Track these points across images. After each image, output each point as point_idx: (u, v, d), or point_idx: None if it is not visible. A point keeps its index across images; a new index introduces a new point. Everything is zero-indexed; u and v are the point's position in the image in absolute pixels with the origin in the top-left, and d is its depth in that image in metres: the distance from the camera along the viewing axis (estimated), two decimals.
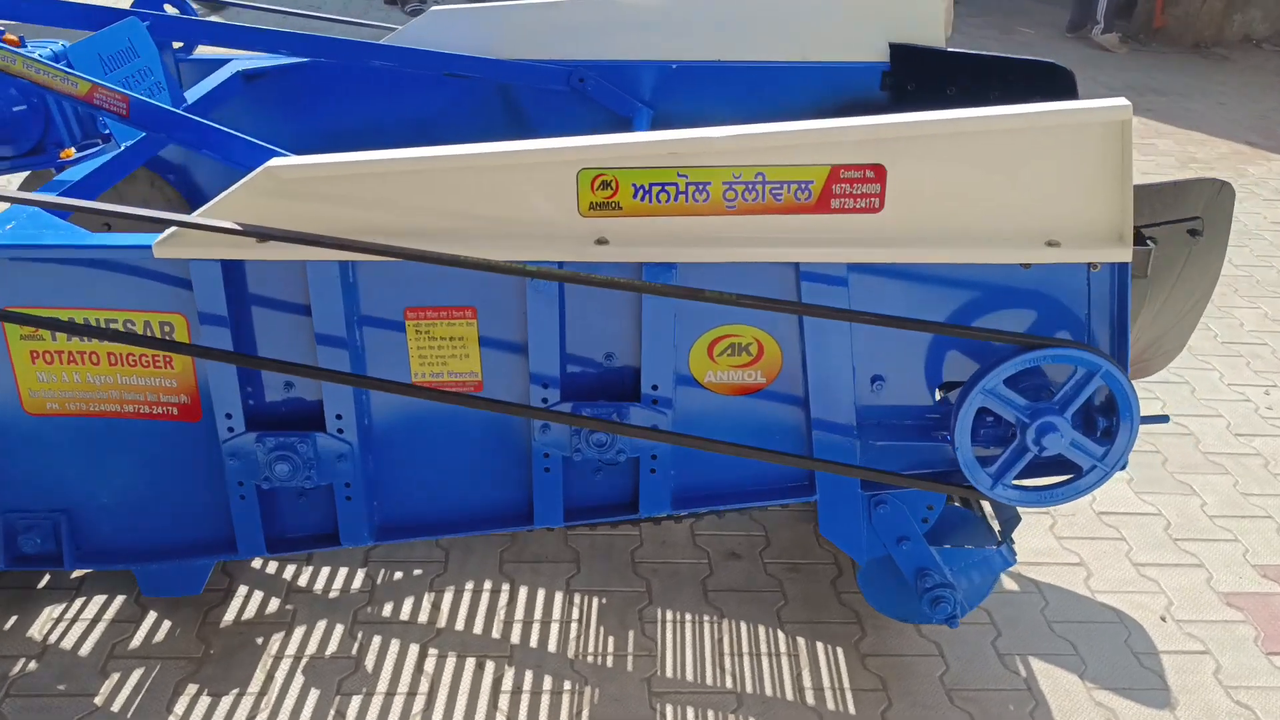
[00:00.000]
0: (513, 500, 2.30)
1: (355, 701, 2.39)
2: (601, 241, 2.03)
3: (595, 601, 2.73)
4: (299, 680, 2.43)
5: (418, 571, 2.80)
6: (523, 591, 2.75)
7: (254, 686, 2.41)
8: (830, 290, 2.08)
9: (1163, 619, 2.79)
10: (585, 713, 2.39)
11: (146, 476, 2.29)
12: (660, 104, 3.38)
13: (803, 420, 2.21)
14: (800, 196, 2.01)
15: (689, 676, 2.51)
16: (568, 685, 2.46)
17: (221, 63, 3.30)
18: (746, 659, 2.56)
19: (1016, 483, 2.14)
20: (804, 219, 2.03)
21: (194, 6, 3.42)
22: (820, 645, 2.61)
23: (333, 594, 2.71)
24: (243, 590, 2.69)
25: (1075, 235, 2.01)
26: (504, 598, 2.73)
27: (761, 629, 2.65)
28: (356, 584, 2.74)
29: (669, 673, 2.52)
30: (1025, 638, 2.69)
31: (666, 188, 2.01)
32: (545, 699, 2.42)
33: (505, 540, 2.91)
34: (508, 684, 2.45)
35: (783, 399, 2.20)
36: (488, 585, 2.77)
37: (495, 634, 2.61)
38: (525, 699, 2.42)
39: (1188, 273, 2.32)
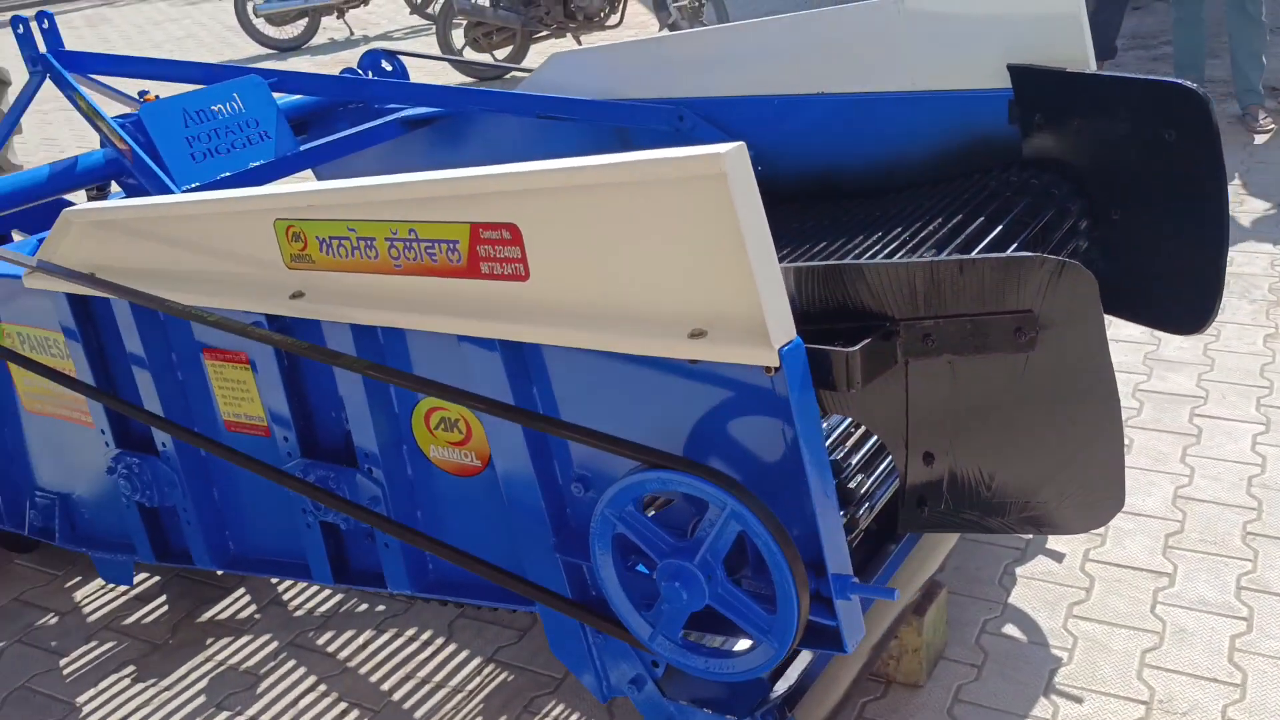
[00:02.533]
0: (295, 550, 2.26)
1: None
2: (297, 295, 1.94)
3: (502, 677, 2.55)
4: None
5: (380, 608, 2.83)
6: (449, 650, 2.65)
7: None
8: (489, 368, 1.76)
9: None
10: None
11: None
12: (759, 140, 3.01)
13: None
14: (451, 258, 1.74)
15: None
16: None
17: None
18: None
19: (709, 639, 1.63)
20: (458, 284, 1.75)
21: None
22: None
23: (298, 613, 2.85)
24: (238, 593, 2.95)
25: (721, 325, 1.49)
26: (430, 650, 2.66)
27: None
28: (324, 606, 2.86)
29: None
30: None
31: (343, 241, 1.86)
32: None
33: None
34: None
35: (497, 489, 1.90)
36: (428, 635, 2.71)
37: (386, 686, 2.56)
38: None
39: (1038, 388, 1.57)
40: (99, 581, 3.04)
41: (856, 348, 1.49)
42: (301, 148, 3.25)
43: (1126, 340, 3.71)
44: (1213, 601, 2.57)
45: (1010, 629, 2.55)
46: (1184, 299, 2.35)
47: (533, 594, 1.78)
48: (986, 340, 1.54)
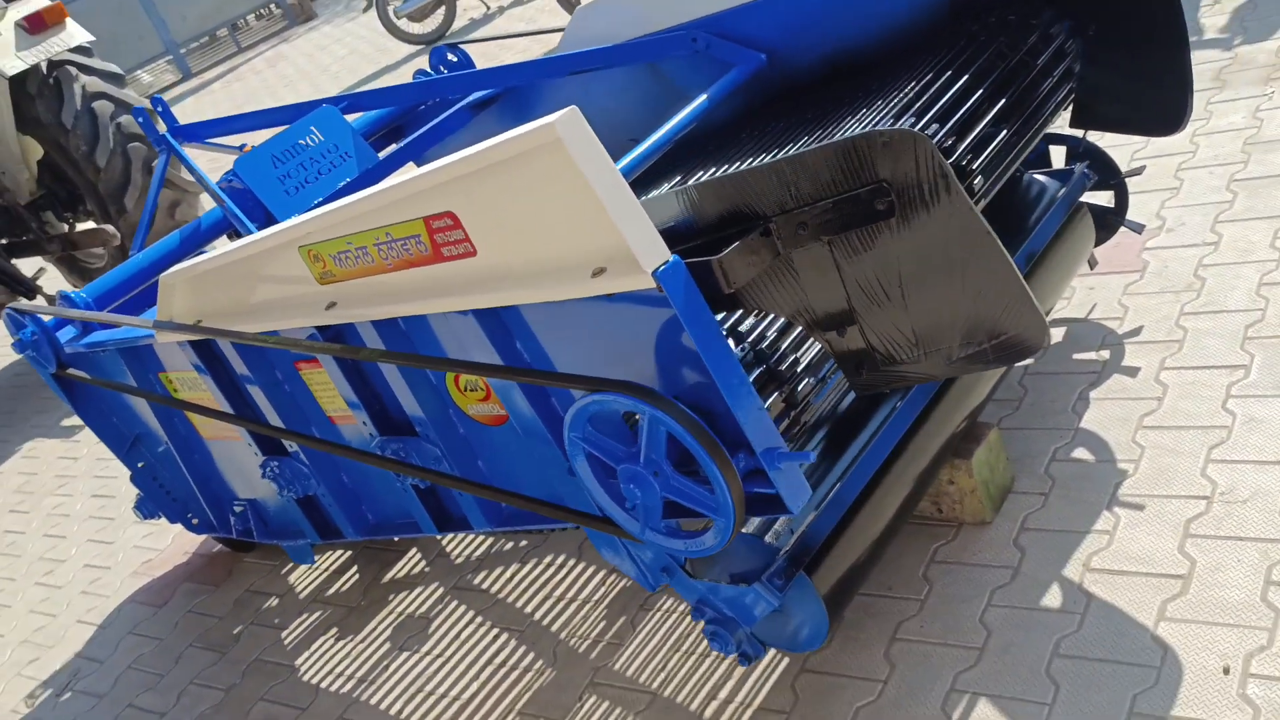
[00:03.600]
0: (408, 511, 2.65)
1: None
2: (331, 305, 2.29)
3: (621, 584, 2.87)
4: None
5: (524, 544, 3.21)
6: (579, 569, 3.00)
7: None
8: (467, 334, 2.05)
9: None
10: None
11: None
12: (769, 41, 3.11)
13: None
14: (420, 249, 2.03)
15: (625, 670, 2.58)
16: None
17: None
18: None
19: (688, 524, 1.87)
20: (432, 269, 2.04)
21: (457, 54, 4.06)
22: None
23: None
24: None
25: (611, 260, 1.71)
26: (564, 573, 3.01)
27: None
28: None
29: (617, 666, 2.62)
30: (1001, 676, 2.17)
31: (347, 254, 2.19)
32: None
33: None
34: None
35: (522, 431, 2.20)
36: (561, 560, 3.07)
37: (530, 609, 2.94)
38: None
39: (916, 245, 1.69)
40: (304, 566, 3.58)
41: (723, 254, 1.67)
42: (381, 156, 3.63)
43: (1226, 130, 3.57)
44: None
45: (1080, 452, 2.63)
46: (1158, 101, 2.33)
47: (557, 514, 2.08)
48: (851, 217, 1.68)
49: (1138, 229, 2.93)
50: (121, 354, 3.10)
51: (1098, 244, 3.02)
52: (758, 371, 1.89)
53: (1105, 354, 2.89)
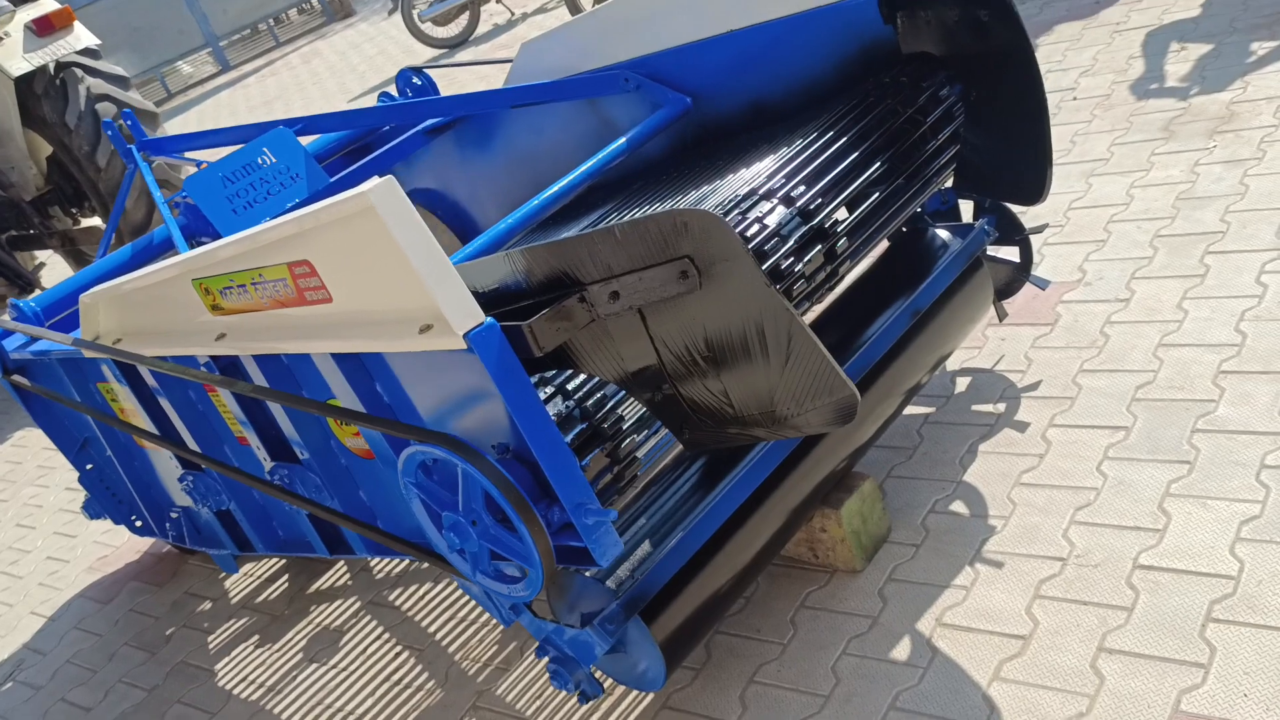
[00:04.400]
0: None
1: None
2: (221, 337, 2.40)
3: None
4: None
5: None
6: None
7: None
8: (334, 374, 2.15)
9: None
10: None
11: None
12: (693, 84, 3.20)
13: None
14: (288, 292, 2.14)
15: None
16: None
17: None
18: None
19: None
20: (299, 311, 2.14)
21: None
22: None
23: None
24: None
25: (435, 319, 1.80)
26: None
27: None
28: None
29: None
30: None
31: (230, 289, 2.30)
32: None
33: None
34: None
35: (384, 467, 2.30)
36: None
37: (433, 628, 3.04)
38: None
39: (722, 316, 1.77)
40: (245, 569, 3.71)
41: (533, 319, 1.76)
42: (332, 179, 3.74)
43: (1162, 183, 3.60)
44: (1165, 446, 2.58)
45: (958, 505, 2.68)
46: (1022, 171, 2.39)
47: (409, 550, 2.17)
48: (659, 287, 1.76)
49: (1041, 285, 2.98)
50: (61, 364, 3.24)
51: (1006, 297, 3.07)
52: (580, 428, 1.98)
53: (1001, 407, 2.94)
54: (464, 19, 11.22)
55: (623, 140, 3.08)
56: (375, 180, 1.72)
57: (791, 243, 2.25)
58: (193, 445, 2.84)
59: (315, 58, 14.63)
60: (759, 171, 2.46)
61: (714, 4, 3.08)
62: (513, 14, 11.52)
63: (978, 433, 2.88)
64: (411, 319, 1.84)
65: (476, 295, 1.89)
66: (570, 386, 2.02)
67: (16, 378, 3.34)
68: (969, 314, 2.84)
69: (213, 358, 2.49)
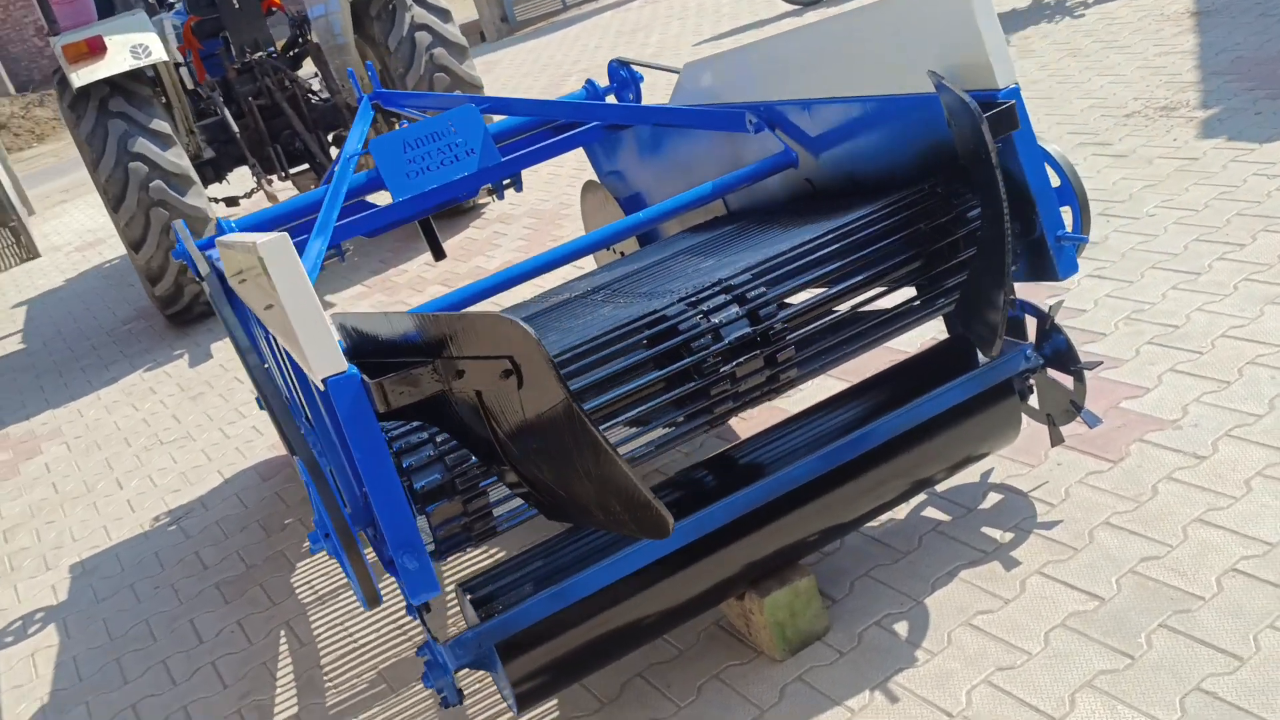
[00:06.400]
0: None
1: None
2: None
3: None
4: None
5: None
6: None
7: None
8: None
9: None
10: None
11: None
12: (801, 139, 3.20)
13: None
14: None
15: None
16: None
17: None
18: None
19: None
20: None
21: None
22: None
23: None
24: None
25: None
26: None
27: None
28: None
29: None
30: None
31: None
32: None
33: None
34: None
35: None
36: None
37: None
38: None
39: (541, 419, 1.90)
40: None
41: (379, 379, 1.97)
42: (504, 159, 4.07)
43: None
44: (1121, 632, 2.41)
45: (900, 626, 2.64)
46: (982, 324, 2.27)
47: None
48: (490, 379, 1.93)
49: (1092, 422, 2.78)
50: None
51: (1062, 424, 2.89)
52: (434, 477, 2.19)
53: (1008, 537, 2.81)
54: None
55: (708, 185, 3.18)
56: (268, 235, 1.99)
57: (724, 343, 2.31)
58: None
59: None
60: (750, 260, 2.51)
61: (856, 70, 3.01)
62: None
63: (969, 556, 2.79)
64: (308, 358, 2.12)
65: (365, 344, 2.14)
66: (441, 437, 2.23)
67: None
68: (978, 435, 2.73)
69: None
